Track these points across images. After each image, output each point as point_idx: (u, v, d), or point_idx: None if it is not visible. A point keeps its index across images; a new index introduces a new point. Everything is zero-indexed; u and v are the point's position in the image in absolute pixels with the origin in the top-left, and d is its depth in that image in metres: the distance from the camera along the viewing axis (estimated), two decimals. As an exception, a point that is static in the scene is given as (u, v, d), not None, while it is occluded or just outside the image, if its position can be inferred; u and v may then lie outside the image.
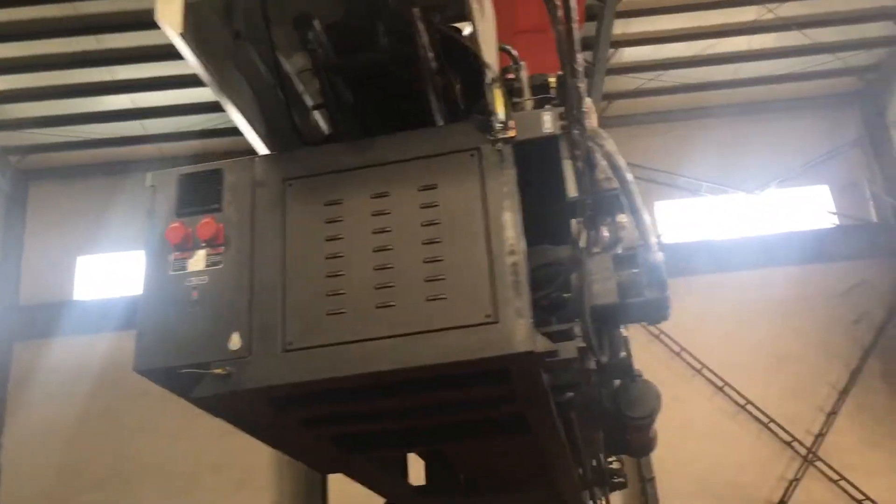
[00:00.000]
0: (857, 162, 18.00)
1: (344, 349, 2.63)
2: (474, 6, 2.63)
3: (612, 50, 16.10)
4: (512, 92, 3.49)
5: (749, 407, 16.13)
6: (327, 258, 2.78)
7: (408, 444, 3.64)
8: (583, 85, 3.38)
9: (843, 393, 16.19)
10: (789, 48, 16.85)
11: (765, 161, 17.79)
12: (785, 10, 15.75)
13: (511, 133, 2.74)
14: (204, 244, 2.85)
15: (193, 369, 2.67)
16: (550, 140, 2.83)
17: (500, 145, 2.73)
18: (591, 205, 3.05)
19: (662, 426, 15.47)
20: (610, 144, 2.87)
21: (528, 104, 3.48)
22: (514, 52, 3.65)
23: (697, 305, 16.74)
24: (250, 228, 2.87)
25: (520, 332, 2.51)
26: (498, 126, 2.72)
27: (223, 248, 2.85)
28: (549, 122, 2.81)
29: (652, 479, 15.53)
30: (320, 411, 3.06)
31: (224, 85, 2.90)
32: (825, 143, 17.94)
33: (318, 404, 2.96)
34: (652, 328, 16.61)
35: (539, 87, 3.52)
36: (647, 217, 2.89)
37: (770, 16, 15.77)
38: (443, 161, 2.80)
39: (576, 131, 3.51)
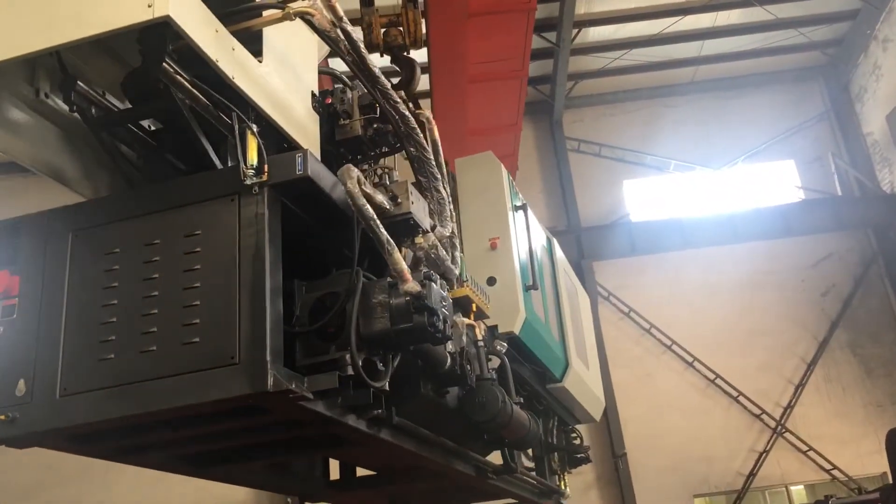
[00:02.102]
0: (822, 136, 17.85)
1: (108, 393, 2.73)
2: (210, 53, 2.67)
3: (575, 30, 15.81)
4: (339, 114, 3.61)
5: (719, 381, 16.09)
6: (103, 307, 2.86)
7: (236, 461, 3.71)
8: (402, 105, 3.46)
9: (811, 365, 16.18)
10: (753, 24, 16.61)
11: (731, 137, 17.66)
12: (747, -14, 15.71)
13: (264, 177, 2.78)
14: (0, 296, 2.98)
15: None
16: (310, 179, 2.91)
17: (255, 189, 2.78)
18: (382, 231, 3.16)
19: (634, 402, 15.49)
20: (352, 184, 2.92)
21: (356, 124, 3.59)
22: (340, 74, 3.76)
23: (667, 282, 16.72)
24: (42, 280, 2.97)
25: (255, 373, 2.57)
26: (249, 171, 2.78)
27: (17, 299, 2.96)
28: (300, 164, 2.84)
29: (624, 455, 15.53)
30: (117, 445, 3.16)
31: (16, 144, 3.01)
32: (790, 118, 17.81)
33: (106, 441, 3.05)
34: (622, 306, 16.66)
35: (367, 107, 3.60)
36: (394, 250, 2.95)
37: (732, -8, 15.72)
38: (207, 206, 2.86)
39: (411, 149, 3.60)
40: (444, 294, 3.11)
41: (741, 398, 16.03)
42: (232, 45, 2.85)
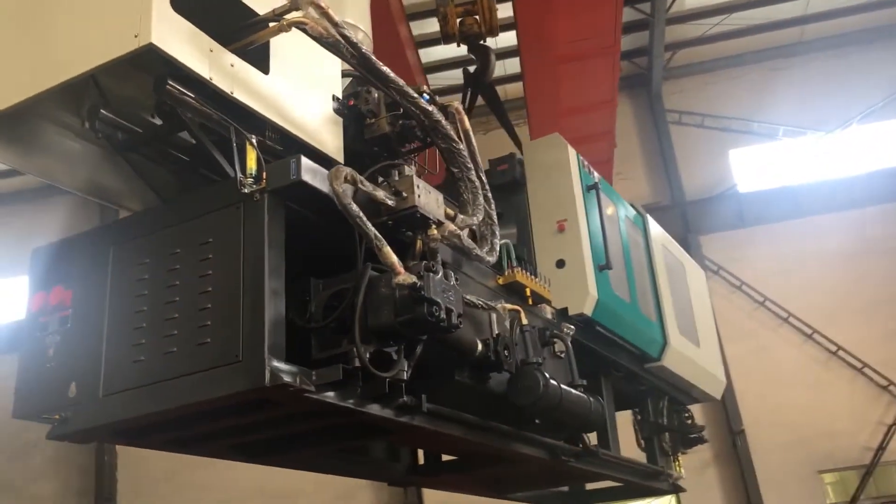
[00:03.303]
0: (944, 89, 16.74)
1: (138, 392, 2.96)
2: (202, 72, 2.82)
3: (671, -1, 15.58)
4: (365, 114, 3.69)
5: (841, 353, 15.36)
6: (136, 313, 3.08)
7: (291, 450, 3.91)
8: (421, 101, 3.43)
9: (941, 332, 15.30)
10: (860, -24, 15.84)
11: (845, 98, 16.70)
12: (852, -63, 14.90)
13: (262, 184, 2.92)
14: (56, 308, 3.29)
15: (48, 415, 3.13)
16: (304, 183, 2.99)
17: (257, 195, 2.91)
18: (391, 226, 3.22)
19: (751, 377, 15.02)
20: (337, 185, 2.96)
21: (383, 122, 3.68)
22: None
23: (779, 253, 16.03)
24: (89, 292, 3.24)
25: (254, 369, 2.72)
26: (248, 180, 2.91)
27: (70, 311, 3.25)
28: (294, 168, 2.95)
29: (742, 432, 15.06)
30: (162, 438, 3.39)
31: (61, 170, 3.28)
32: (908, 73, 16.79)
33: (151, 434, 3.30)
34: (732, 279, 16.16)
35: (393, 105, 3.63)
36: (384, 245, 2.98)
37: (837, -56, 14.93)
38: (218, 215, 3.03)
39: (439, 141, 3.58)
40: (451, 283, 3.14)
41: (866, 369, 15.26)
42: (230, 62, 2.99)
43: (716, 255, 16.32)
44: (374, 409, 3.23)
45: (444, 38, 8.32)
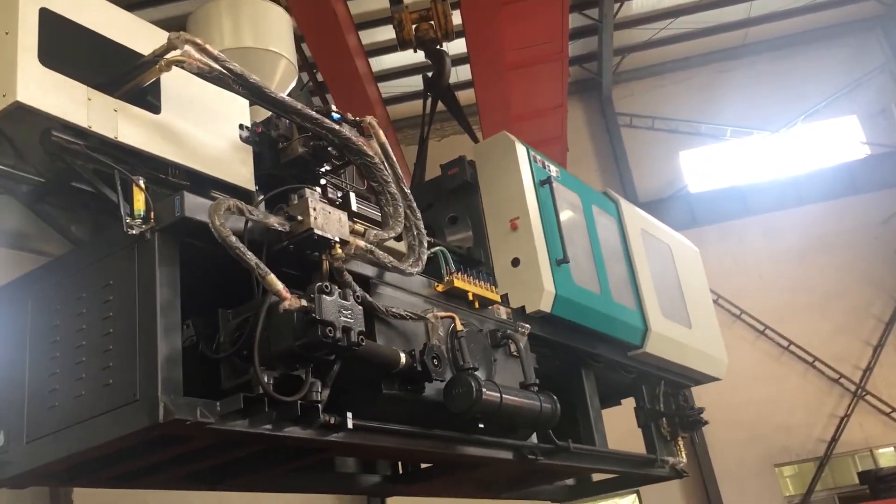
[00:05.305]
0: (885, 87, 17.13)
1: (54, 437, 3.00)
2: (80, 122, 2.84)
3: (617, 4, 15.57)
4: (279, 139, 3.73)
5: (793, 348, 15.69)
6: (50, 360, 3.12)
7: (241, 475, 3.90)
8: (326, 120, 3.42)
9: (889, 324, 15.63)
10: (801, -21, 16.10)
11: (789, 98, 17.10)
12: (792, -59, 15.33)
13: (151, 223, 2.94)
14: None
15: None
16: (188, 219, 3.00)
17: (147, 235, 2.93)
18: (293, 250, 3.21)
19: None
20: (217, 219, 2.94)
21: (295, 145, 3.71)
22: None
23: (730, 251, 16.28)
24: (11, 342, 3.30)
25: (150, 406, 2.73)
26: (136, 221, 2.93)
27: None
28: (178, 205, 2.97)
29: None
30: (106, 475, 3.43)
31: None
32: (850, 73, 17.13)
33: (83, 474, 3.35)
34: (686, 279, 16.56)
35: (304, 127, 3.61)
36: (267, 274, 2.93)
37: (777, -52, 15.40)
38: (116, 257, 3.06)
39: (354, 158, 3.59)
40: (348, 303, 3.10)
41: (817, 363, 15.63)
42: (113, 107, 3.02)
43: (669, 255, 16.71)
44: (295, 431, 3.19)
45: (401, 44, 8.47)
